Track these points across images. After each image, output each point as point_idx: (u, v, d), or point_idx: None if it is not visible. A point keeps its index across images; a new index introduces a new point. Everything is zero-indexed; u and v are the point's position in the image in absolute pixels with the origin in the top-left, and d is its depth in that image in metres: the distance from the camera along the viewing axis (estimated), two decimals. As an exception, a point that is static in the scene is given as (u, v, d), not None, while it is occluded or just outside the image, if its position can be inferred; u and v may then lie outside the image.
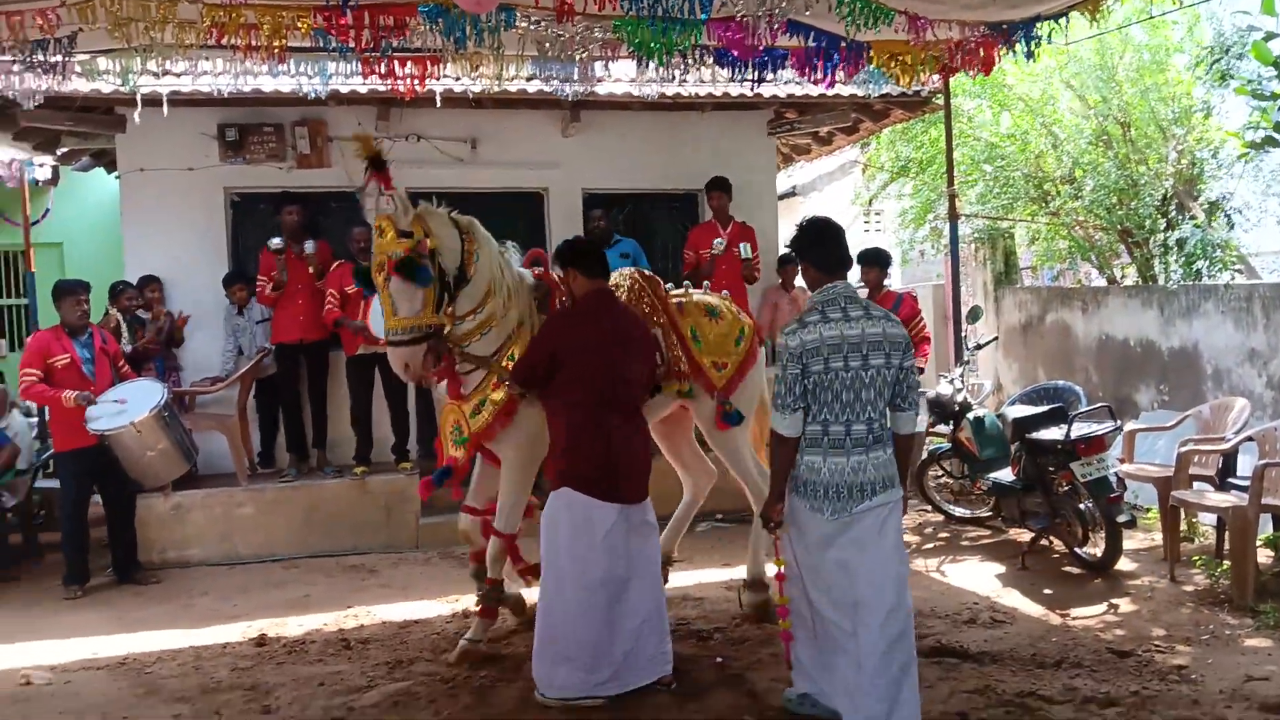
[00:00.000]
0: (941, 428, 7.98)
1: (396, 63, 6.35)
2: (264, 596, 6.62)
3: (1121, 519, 6.23)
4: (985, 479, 7.31)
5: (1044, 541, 6.86)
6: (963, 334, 8.61)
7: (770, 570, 4.59)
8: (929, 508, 8.16)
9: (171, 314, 7.99)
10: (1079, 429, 6.40)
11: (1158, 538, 6.75)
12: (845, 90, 8.47)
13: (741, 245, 8.30)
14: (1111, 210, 10.14)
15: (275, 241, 7.71)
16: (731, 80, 6.99)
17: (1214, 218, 9.65)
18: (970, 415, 7.46)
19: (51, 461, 7.74)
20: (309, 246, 7.75)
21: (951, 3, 5.82)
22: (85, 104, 7.82)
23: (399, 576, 7.01)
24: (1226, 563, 6.02)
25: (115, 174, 8.68)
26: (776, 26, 5.75)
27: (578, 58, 6.33)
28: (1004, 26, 6.30)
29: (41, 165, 9.58)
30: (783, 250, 8.99)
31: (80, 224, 11.43)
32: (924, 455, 8.40)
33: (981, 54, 6.51)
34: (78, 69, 6.01)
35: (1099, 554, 6.36)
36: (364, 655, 5.37)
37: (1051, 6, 6.00)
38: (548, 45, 6.12)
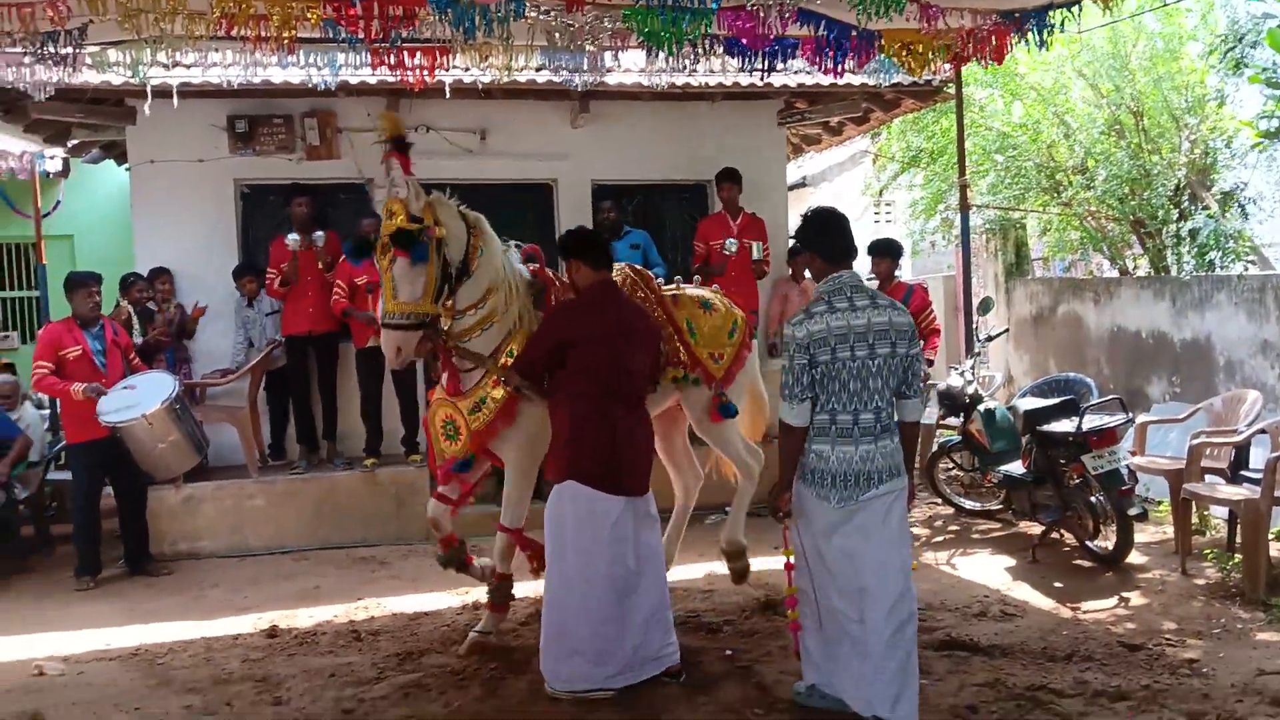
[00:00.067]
0: (952, 420, 7.96)
1: (406, 53, 6.34)
2: (275, 588, 6.65)
3: (1133, 512, 6.21)
4: (996, 471, 7.29)
5: (1055, 534, 6.84)
6: (973, 326, 8.58)
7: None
8: (939, 500, 8.13)
9: (182, 306, 8.01)
10: (1090, 421, 6.37)
11: (1169, 531, 6.73)
12: (856, 80, 8.41)
13: (754, 245, 8.27)
14: (1124, 201, 10.10)
15: (292, 238, 7.69)
16: (741, 70, 6.97)
17: (1227, 208, 9.60)
18: (981, 407, 7.44)
19: (63, 453, 7.77)
20: (318, 238, 7.75)
21: (963, -9, 5.80)
22: (95, 96, 7.83)
23: (409, 568, 7.03)
24: (1238, 556, 5.99)
25: (125, 166, 8.69)
26: (787, 15, 5.73)
27: (587, 48, 6.31)
28: (1016, 15, 6.26)
29: (52, 157, 9.61)
30: (792, 242, 8.97)
31: (91, 216, 11.47)
32: (934, 448, 8.39)
33: (994, 43, 6.47)
34: (88, 61, 6.03)
35: (1110, 547, 6.34)
36: (374, 647, 5.39)
37: (1064, -6, 5.97)
38: (557, 35, 6.11)
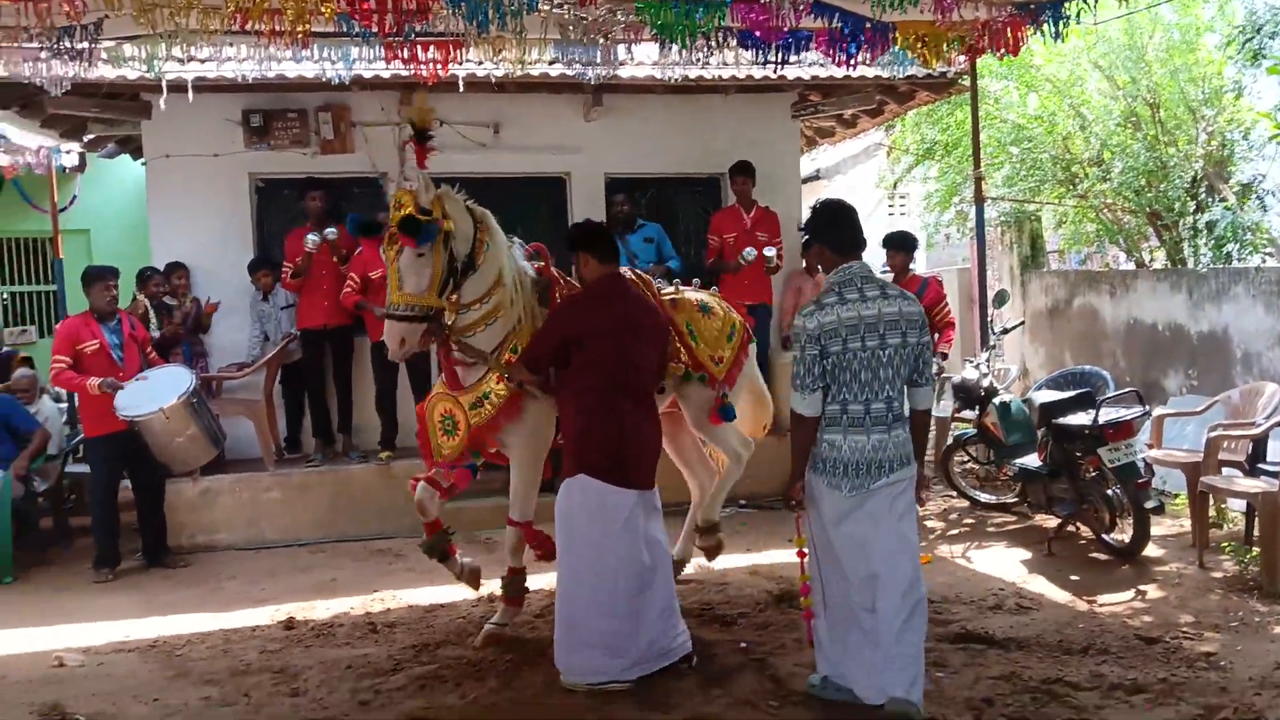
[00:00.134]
0: (967, 413, 7.93)
1: (419, 47, 6.36)
2: (291, 580, 6.68)
3: (1149, 505, 6.18)
4: (1011, 464, 7.26)
5: (1071, 527, 6.82)
6: (989, 318, 8.54)
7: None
8: (955, 494, 8.11)
9: (199, 300, 8.05)
10: (1106, 414, 6.34)
11: (1186, 524, 6.70)
12: (870, 72, 8.38)
13: (771, 251, 8.23)
14: (1140, 193, 10.03)
15: (311, 239, 7.70)
16: (755, 63, 6.92)
17: (1245, 200, 9.53)
18: (996, 400, 7.42)
19: (82, 446, 7.82)
20: (331, 233, 7.77)
21: (978, -18, 5.77)
22: (111, 90, 7.86)
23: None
24: (1256, 549, 5.95)
25: (141, 160, 8.73)
26: (801, 8, 5.72)
27: (600, 41, 6.31)
28: (1031, 6, 6.23)
29: (68, 152, 9.65)
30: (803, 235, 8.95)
31: (107, 210, 11.53)
32: (950, 441, 8.37)
33: (1009, 34, 6.45)
34: (104, 56, 6.04)
35: (1126, 540, 6.32)
36: (391, 639, 5.41)
37: (1080, -15, 5.94)
38: (570, 28, 6.12)
